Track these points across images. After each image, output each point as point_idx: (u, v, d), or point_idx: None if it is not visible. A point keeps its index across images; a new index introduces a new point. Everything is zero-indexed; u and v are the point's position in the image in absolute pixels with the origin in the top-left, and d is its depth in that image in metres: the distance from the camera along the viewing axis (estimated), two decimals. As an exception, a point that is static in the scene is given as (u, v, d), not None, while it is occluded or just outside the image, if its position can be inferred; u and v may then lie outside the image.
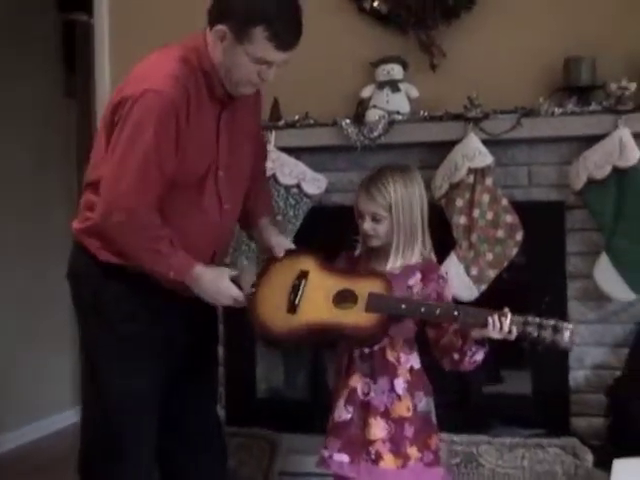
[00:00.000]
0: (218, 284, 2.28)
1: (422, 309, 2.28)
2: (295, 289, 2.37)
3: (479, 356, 2.29)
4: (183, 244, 2.25)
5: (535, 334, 2.19)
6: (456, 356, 2.30)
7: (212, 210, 2.33)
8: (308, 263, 2.43)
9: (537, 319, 2.20)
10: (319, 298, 2.35)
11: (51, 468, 3.87)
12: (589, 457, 2.78)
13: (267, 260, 2.44)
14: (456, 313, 2.25)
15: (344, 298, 2.35)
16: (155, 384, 2.35)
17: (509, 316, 2.20)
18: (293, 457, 3.01)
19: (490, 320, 2.20)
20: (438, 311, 2.27)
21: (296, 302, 2.35)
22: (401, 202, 2.35)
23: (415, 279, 2.38)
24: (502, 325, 2.19)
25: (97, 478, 2.39)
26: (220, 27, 2.19)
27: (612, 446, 2.78)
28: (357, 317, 2.32)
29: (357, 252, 2.48)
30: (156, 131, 2.15)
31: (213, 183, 2.31)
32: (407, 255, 2.38)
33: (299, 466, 2.98)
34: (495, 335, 2.21)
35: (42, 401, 4.42)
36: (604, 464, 2.66)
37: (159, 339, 2.33)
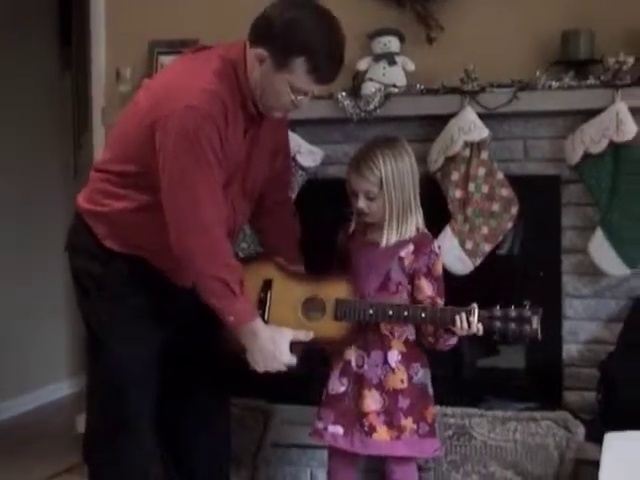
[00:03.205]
0: (276, 346, 2.28)
1: (390, 312, 2.32)
2: (262, 303, 2.38)
3: (452, 341, 2.33)
4: None
5: (502, 327, 2.22)
6: (431, 340, 2.36)
7: (228, 221, 2.32)
8: (270, 270, 2.43)
9: (502, 311, 2.23)
10: (288, 311, 2.37)
11: (46, 438, 3.89)
12: (581, 430, 2.79)
13: None
14: (423, 315, 2.29)
15: (312, 307, 2.38)
16: (156, 354, 2.37)
17: (476, 314, 2.22)
18: (287, 428, 3.02)
19: (457, 320, 2.23)
20: (405, 313, 2.30)
21: (265, 318, 2.35)
22: (392, 177, 2.36)
23: (407, 251, 2.40)
24: (470, 324, 2.23)
25: (102, 448, 2.42)
26: (260, 51, 2.16)
27: (604, 420, 2.79)
28: (327, 328, 2.35)
29: (351, 229, 2.49)
30: (210, 150, 2.14)
31: (227, 195, 2.29)
32: (402, 230, 2.39)
33: (292, 437, 3.00)
34: (462, 333, 2.25)
35: (37, 371, 4.44)
36: (596, 437, 2.67)
37: (162, 310, 2.35)
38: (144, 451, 2.43)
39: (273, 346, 2.29)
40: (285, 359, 2.30)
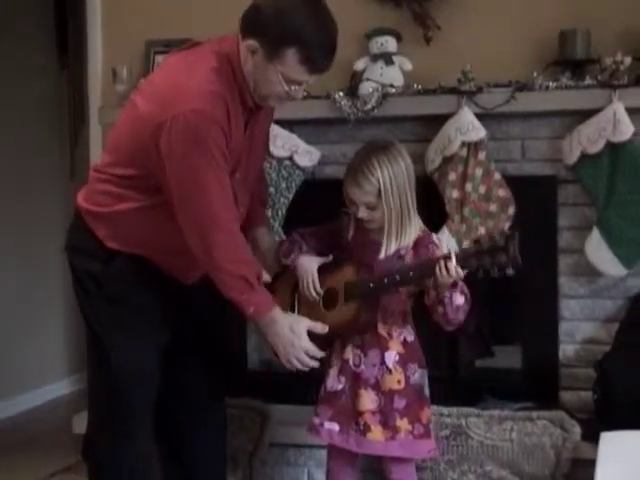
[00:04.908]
0: (294, 333, 2.31)
1: (385, 280, 2.33)
2: (292, 307, 2.46)
3: (458, 299, 2.30)
4: None
5: (480, 263, 2.19)
6: (440, 309, 2.33)
7: (236, 218, 2.32)
8: (295, 275, 2.49)
9: (475, 247, 2.22)
10: (312, 308, 2.43)
11: (44, 437, 3.90)
12: (577, 430, 2.79)
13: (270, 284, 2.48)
14: (411, 274, 2.31)
15: (330, 298, 2.43)
16: (155, 352, 2.38)
17: (453, 258, 2.21)
18: (283, 428, 3.02)
19: (437, 267, 2.23)
20: (398, 277, 2.32)
21: None
22: (390, 185, 2.35)
23: (407, 248, 2.40)
24: (448, 270, 2.21)
25: (101, 446, 2.43)
26: (251, 42, 2.15)
27: (600, 419, 2.80)
28: (342, 312, 2.39)
29: (350, 235, 2.47)
30: (218, 151, 2.15)
31: (232, 187, 2.29)
32: (402, 238, 2.39)
33: (290, 437, 3.00)
34: (447, 280, 2.23)
35: (35, 371, 4.43)
36: (592, 437, 2.68)
37: (162, 309, 2.36)
38: (143, 449, 2.44)
39: (291, 333, 2.31)
40: (304, 344, 2.31)
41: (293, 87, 2.20)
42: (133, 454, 2.41)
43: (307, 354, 2.33)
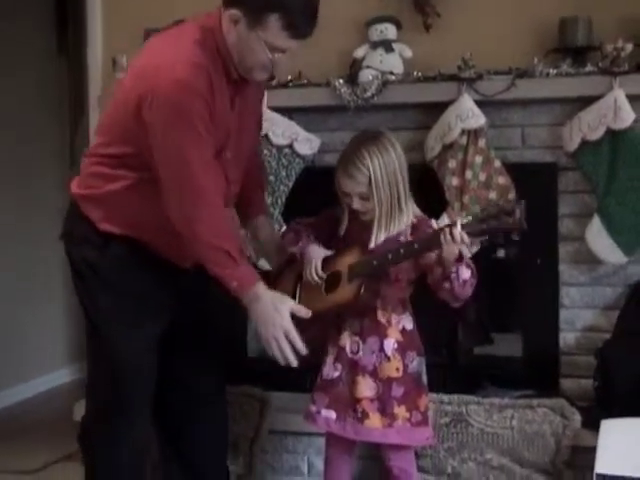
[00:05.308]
0: (277, 311, 2.27)
1: (389, 256, 2.32)
2: (293, 296, 2.44)
3: (465, 273, 2.28)
4: None
5: (485, 227, 2.19)
6: (447, 285, 2.30)
7: (222, 191, 2.32)
8: (301, 266, 2.48)
9: (482, 212, 2.22)
10: (313, 294, 2.41)
11: (45, 426, 3.91)
12: (577, 417, 2.79)
13: (273, 276, 2.49)
14: (416, 246, 2.29)
15: (333, 281, 2.41)
16: (154, 341, 2.38)
17: (458, 224, 2.20)
18: (283, 415, 3.02)
19: (442, 236, 2.21)
20: (402, 251, 2.30)
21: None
22: (380, 174, 2.34)
23: (405, 235, 2.40)
24: (453, 235, 2.20)
25: (97, 432, 2.43)
26: (234, 11, 2.16)
27: (600, 407, 2.80)
28: (344, 292, 2.37)
29: (342, 229, 2.47)
30: (200, 122, 2.14)
31: (220, 165, 2.29)
32: (391, 228, 2.38)
33: (289, 424, 3.00)
34: (454, 249, 2.21)
35: (35, 359, 4.44)
36: (592, 424, 2.68)
37: (159, 295, 2.37)
38: (140, 440, 2.45)
39: (274, 311, 2.28)
40: (285, 324, 2.27)
41: (276, 55, 2.20)
42: (130, 444, 2.41)
43: (287, 336, 2.27)
